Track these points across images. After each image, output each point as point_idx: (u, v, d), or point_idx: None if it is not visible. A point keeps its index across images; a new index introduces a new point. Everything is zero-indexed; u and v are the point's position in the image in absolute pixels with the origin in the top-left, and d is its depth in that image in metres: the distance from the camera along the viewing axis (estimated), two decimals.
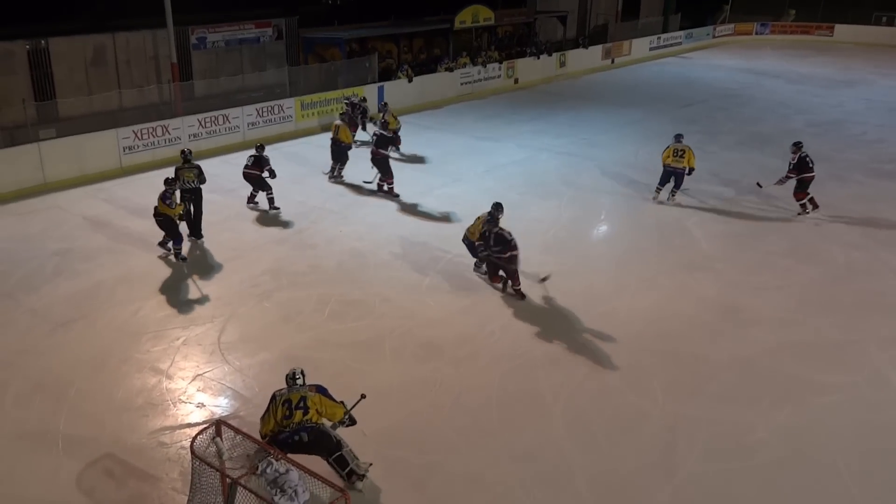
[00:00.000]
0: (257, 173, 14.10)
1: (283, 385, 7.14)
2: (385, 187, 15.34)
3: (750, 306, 10.91)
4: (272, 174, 14.05)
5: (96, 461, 7.53)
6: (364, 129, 18.81)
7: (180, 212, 12.11)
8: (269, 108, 19.59)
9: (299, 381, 7.11)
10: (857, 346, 9.89)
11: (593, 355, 9.64)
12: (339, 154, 16.22)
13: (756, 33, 40.66)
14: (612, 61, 32.06)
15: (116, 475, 7.31)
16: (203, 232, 13.06)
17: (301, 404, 6.96)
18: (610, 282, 11.64)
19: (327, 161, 16.60)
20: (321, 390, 7.21)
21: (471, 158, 17.91)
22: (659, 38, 35.35)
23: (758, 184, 14.91)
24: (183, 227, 12.36)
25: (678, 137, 14.81)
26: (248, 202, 14.63)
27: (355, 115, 18.39)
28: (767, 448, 7.95)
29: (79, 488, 7.18)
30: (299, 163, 17.59)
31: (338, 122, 16.43)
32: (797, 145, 14.22)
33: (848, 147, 16.38)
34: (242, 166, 14.37)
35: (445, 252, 12.62)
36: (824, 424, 8.33)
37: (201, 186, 13.10)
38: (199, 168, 13.21)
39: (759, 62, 33.25)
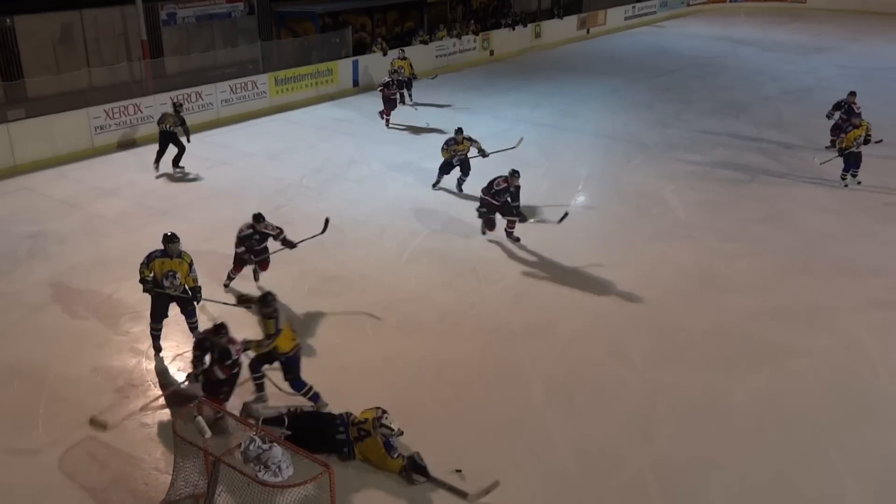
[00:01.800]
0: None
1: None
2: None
3: (727, 273, 11.03)
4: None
5: (78, 444, 7.49)
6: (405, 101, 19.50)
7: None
8: (243, 85, 19.35)
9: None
10: (832, 311, 10.04)
11: (572, 325, 9.72)
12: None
13: (730, 1, 40.64)
14: (588, 31, 31.93)
15: (99, 457, 7.29)
16: (181, 210, 12.96)
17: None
18: (588, 252, 11.69)
19: (304, 137, 16.47)
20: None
21: (448, 131, 17.81)
22: (634, 7, 35.21)
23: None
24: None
25: None
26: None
27: (392, 90, 18.27)
28: (745, 412, 8.08)
29: (61, 471, 7.15)
30: (274, 139, 17.42)
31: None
32: (852, 94, 15.61)
33: (821, 113, 16.54)
34: (216, 143, 14.22)
35: (424, 227, 12.61)
36: (800, 388, 8.48)
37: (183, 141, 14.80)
38: (183, 120, 14.92)
39: (734, 30, 33.26)
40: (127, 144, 16.73)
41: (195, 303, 8.94)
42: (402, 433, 7.14)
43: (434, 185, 14.09)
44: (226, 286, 10.45)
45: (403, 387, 8.47)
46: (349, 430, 7.23)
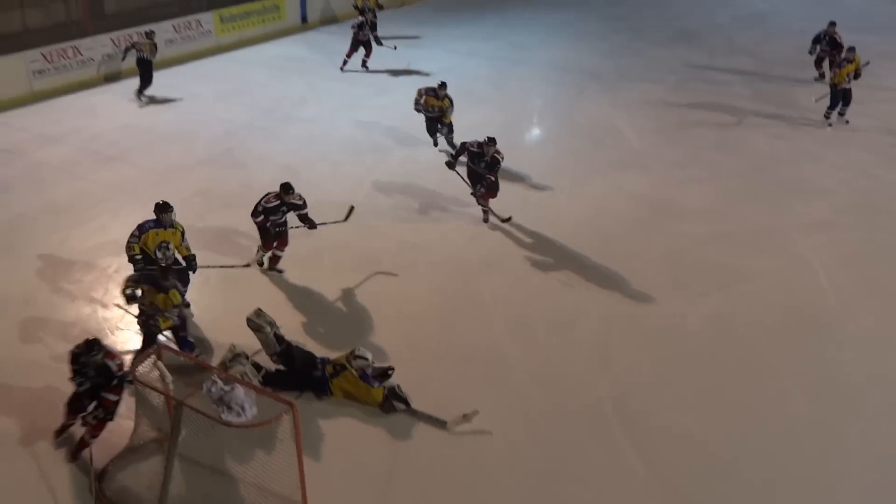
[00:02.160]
0: None
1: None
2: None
3: (679, 200, 11.20)
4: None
5: (35, 393, 7.42)
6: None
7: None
8: (187, 24, 18.66)
9: None
10: (780, 233, 10.29)
11: (529, 256, 9.82)
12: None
13: None
14: None
15: (58, 406, 7.23)
16: (129, 156, 12.66)
17: None
18: (544, 184, 11.75)
19: (252, 76, 16.06)
20: None
21: (398, 67, 17.52)
22: None
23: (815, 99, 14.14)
24: None
25: None
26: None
27: (366, 32, 17.20)
28: (698, 335, 8.33)
29: (20, 421, 7.10)
30: (222, 80, 16.96)
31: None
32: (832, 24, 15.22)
33: (772, 38, 16.62)
34: (162, 86, 13.81)
35: (379, 163, 12.51)
36: (751, 308, 8.74)
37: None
38: (155, 45, 15.26)
39: None
40: (70, 89, 16.16)
41: (190, 272, 8.43)
42: (392, 371, 7.36)
43: (436, 144, 13.03)
44: (261, 265, 9.46)
45: (364, 322, 8.52)
46: (325, 368, 7.32)
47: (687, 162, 12.42)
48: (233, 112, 14.88)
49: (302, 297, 8.99)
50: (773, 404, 7.34)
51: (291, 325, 8.21)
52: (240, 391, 6.42)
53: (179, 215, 8.39)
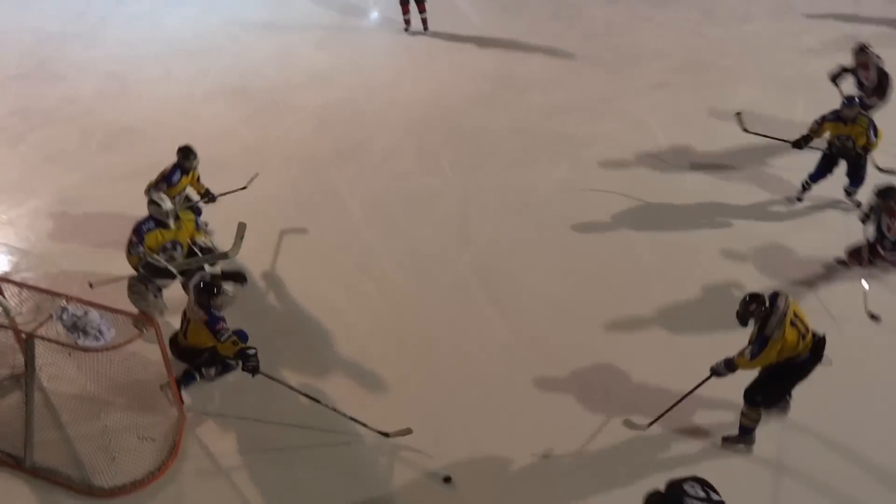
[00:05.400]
0: None
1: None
2: None
3: (523, 73, 11.32)
4: None
5: None
6: None
7: None
8: None
9: None
10: (618, 97, 10.66)
11: (381, 144, 9.75)
12: None
13: None
14: None
15: None
16: None
17: None
18: (386, 72, 11.55)
19: None
20: None
21: None
22: None
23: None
24: None
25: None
26: None
27: None
28: (550, 202, 8.65)
29: None
30: None
31: None
32: None
33: None
34: None
35: (213, 61, 11.82)
36: (597, 172, 9.12)
37: None
38: None
39: None
40: None
41: (209, 202, 7.95)
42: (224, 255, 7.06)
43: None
44: None
45: (218, 227, 8.28)
46: None
47: (527, 34, 12.46)
48: (41, 19, 13.45)
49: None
50: (623, 258, 7.83)
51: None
52: (94, 314, 6.11)
53: None
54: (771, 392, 5.68)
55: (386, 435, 5.94)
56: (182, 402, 6.19)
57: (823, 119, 7.92)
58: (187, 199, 7.91)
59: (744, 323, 5.54)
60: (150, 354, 5.96)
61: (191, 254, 6.97)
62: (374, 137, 9.89)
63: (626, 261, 7.80)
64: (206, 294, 5.96)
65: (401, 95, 10.81)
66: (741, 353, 5.55)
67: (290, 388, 6.08)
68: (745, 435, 5.84)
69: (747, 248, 7.83)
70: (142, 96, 10.95)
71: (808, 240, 7.90)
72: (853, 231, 7.46)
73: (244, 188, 8.21)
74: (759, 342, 5.42)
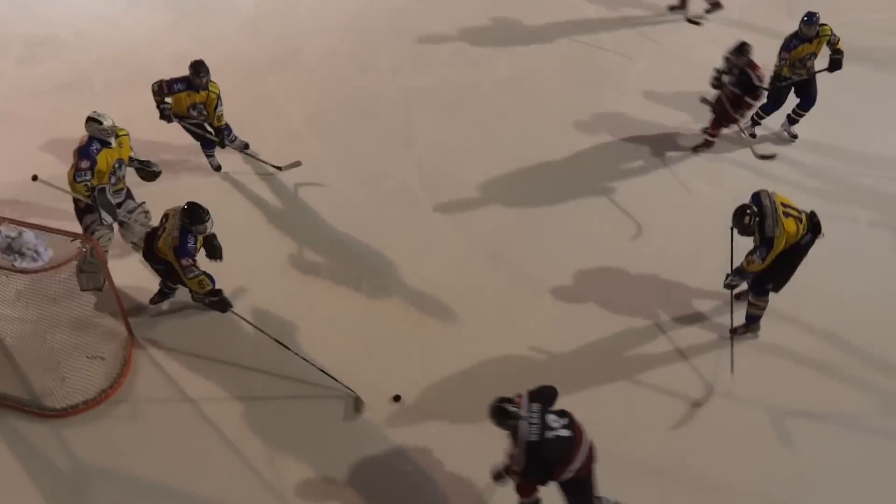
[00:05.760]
0: None
1: None
2: None
3: None
4: None
5: None
6: None
7: None
8: None
9: None
10: None
11: (318, 47, 9.45)
12: None
13: None
14: None
15: None
16: None
17: None
18: None
19: None
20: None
21: None
22: None
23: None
24: None
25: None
26: None
27: None
28: (492, 99, 8.61)
29: None
30: None
31: None
32: None
33: None
34: None
35: None
36: (537, 70, 9.02)
37: None
38: None
39: None
40: None
41: (218, 146, 7.45)
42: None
43: None
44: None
45: (155, 144, 8.00)
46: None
47: None
48: None
49: (72, 122, 8.21)
50: (564, 151, 7.87)
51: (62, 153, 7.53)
52: (29, 235, 5.94)
53: None
54: (780, 278, 5.89)
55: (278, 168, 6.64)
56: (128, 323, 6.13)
57: (789, 47, 7.38)
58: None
59: (751, 234, 5.66)
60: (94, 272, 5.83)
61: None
62: (309, 40, 9.55)
63: (570, 158, 7.83)
64: (189, 216, 5.63)
65: (323, 11, 10.34)
66: (749, 260, 5.71)
67: (256, 327, 6.05)
68: (752, 323, 6.09)
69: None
70: (59, 4, 10.31)
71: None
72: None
73: (279, 168, 7.61)
74: (765, 245, 5.59)
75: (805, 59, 7.46)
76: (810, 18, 7.34)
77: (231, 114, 8.32)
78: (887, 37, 9.32)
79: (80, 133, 6.84)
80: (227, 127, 7.43)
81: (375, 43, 9.46)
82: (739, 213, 5.65)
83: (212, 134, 7.40)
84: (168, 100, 7.13)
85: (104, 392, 5.82)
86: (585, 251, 6.89)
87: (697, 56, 8.70)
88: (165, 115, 7.23)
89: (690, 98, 7.91)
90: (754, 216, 5.60)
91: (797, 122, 7.94)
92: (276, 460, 5.49)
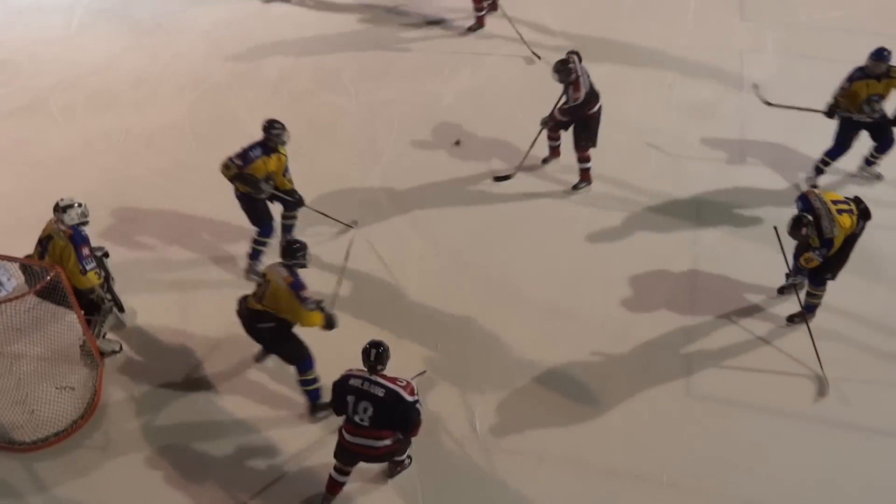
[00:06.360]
0: None
1: None
2: None
3: None
4: None
5: None
6: None
7: None
8: None
9: None
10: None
11: (278, 67, 9.36)
12: None
13: None
14: None
15: None
16: None
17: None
18: None
19: None
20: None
21: None
22: None
23: None
24: None
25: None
26: None
27: None
28: (454, 110, 8.61)
29: None
30: None
31: None
32: None
33: None
34: None
35: None
36: (498, 79, 9.05)
37: None
38: None
39: None
40: None
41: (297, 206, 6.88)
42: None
43: None
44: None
45: (114, 166, 7.92)
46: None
47: None
48: None
49: (31, 148, 8.07)
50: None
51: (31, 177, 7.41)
52: None
53: None
54: (837, 267, 6.04)
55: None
56: (100, 351, 6.02)
57: (851, 79, 6.83)
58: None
59: (809, 242, 5.75)
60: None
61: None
62: (268, 58, 9.47)
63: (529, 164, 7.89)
64: (292, 253, 5.48)
65: (292, 11, 10.31)
66: (807, 258, 5.83)
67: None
68: (810, 312, 6.21)
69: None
70: (13, 26, 10.14)
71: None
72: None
73: (350, 225, 7.26)
74: (825, 245, 5.76)
75: (871, 100, 6.78)
76: (878, 54, 6.65)
77: (194, 134, 8.32)
78: None
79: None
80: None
81: (336, 62, 9.39)
82: (796, 225, 5.73)
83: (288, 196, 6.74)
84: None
85: (75, 422, 5.71)
86: (556, 257, 6.95)
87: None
88: (255, 185, 6.43)
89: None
90: (811, 225, 5.69)
91: (874, 164, 7.39)
92: (254, 486, 5.42)
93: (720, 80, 8.79)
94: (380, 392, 4.71)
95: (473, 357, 6.17)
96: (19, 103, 8.79)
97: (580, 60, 7.08)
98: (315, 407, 5.72)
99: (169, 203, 7.51)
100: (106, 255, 6.23)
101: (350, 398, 4.76)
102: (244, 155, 6.38)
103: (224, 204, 7.36)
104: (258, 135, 6.42)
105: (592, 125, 7.23)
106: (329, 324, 5.51)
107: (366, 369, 4.81)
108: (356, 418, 4.80)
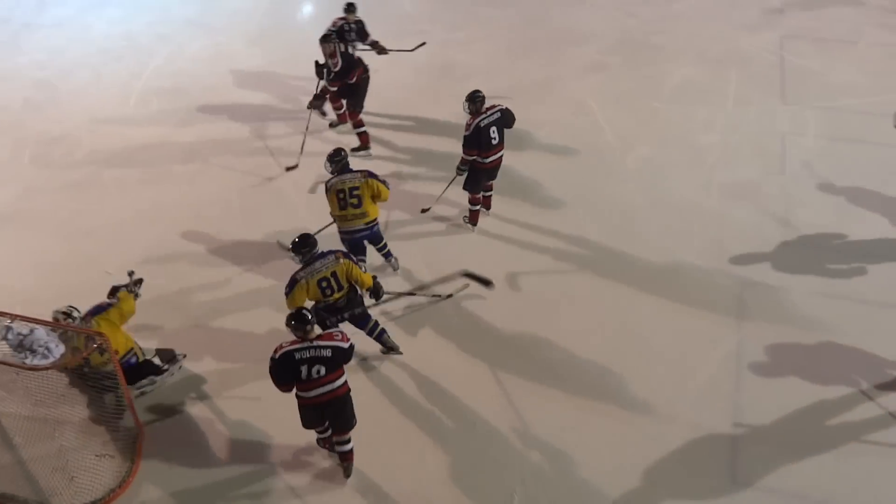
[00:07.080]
0: None
1: None
2: None
3: (462, 61, 11.29)
4: None
5: None
6: None
7: None
8: None
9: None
10: (558, 81, 10.71)
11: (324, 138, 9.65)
12: None
13: None
14: None
15: None
16: None
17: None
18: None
19: None
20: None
21: None
22: None
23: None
24: None
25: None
26: None
27: None
28: (497, 186, 8.63)
29: None
30: None
31: None
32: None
33: None
34: None
35: (144, 64, 11.51)
36: (542, 156, 9.17)
37: None
38: None
39: None
40: None
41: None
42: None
43: None
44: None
45: (166, 237, 8.13)
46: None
47: (464, 23, 12.45)
48: None
49: (87, 217, 8.31)
50: (571, 232, 7.96)
51: (79, 247, 7.61)
52: (41, 332, 5.96)
53: None
54: None
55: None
56: (138, 418, 6.07)
57: None
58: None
59: None
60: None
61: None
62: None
63: (577, 238, 7.92)
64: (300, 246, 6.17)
65: None
66: None
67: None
68: None
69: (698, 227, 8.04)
70: (73, 103, 10.63)
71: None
72: None
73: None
74: None
75: None
76: None
77: (240, 207, 8.49)
78: None
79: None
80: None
81: (383, 134, 9.65)
82: None
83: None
84: None
85: (113, 491, 5.71)
86: (592, 335, 6.89)
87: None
88: None
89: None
90: None
91: None
92: None
93: (763, 160, 8.82)
94: (327, 353, 5.26)
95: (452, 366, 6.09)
96: (74, 178, 9.12)
97: (346, 43, 8.92)
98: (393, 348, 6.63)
99: (208, 279, 7.64)
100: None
101: (303, 368, 5.23)
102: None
103: (266, 271, 7.52)
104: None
105: (359, 92, 9.01)
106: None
107: (299, 337, 5.28)
108: (313, 376, 5.26)
